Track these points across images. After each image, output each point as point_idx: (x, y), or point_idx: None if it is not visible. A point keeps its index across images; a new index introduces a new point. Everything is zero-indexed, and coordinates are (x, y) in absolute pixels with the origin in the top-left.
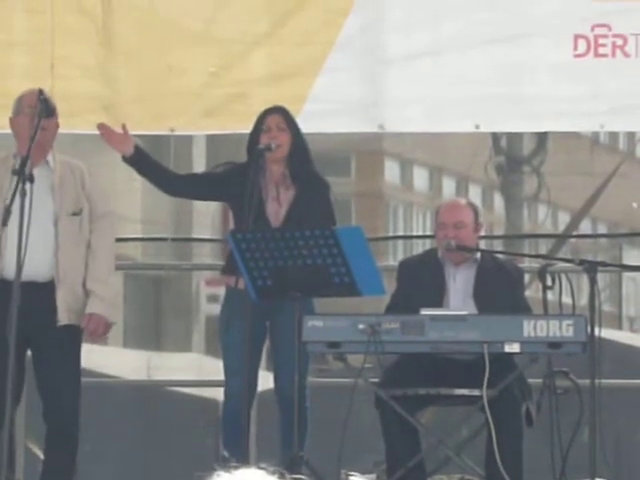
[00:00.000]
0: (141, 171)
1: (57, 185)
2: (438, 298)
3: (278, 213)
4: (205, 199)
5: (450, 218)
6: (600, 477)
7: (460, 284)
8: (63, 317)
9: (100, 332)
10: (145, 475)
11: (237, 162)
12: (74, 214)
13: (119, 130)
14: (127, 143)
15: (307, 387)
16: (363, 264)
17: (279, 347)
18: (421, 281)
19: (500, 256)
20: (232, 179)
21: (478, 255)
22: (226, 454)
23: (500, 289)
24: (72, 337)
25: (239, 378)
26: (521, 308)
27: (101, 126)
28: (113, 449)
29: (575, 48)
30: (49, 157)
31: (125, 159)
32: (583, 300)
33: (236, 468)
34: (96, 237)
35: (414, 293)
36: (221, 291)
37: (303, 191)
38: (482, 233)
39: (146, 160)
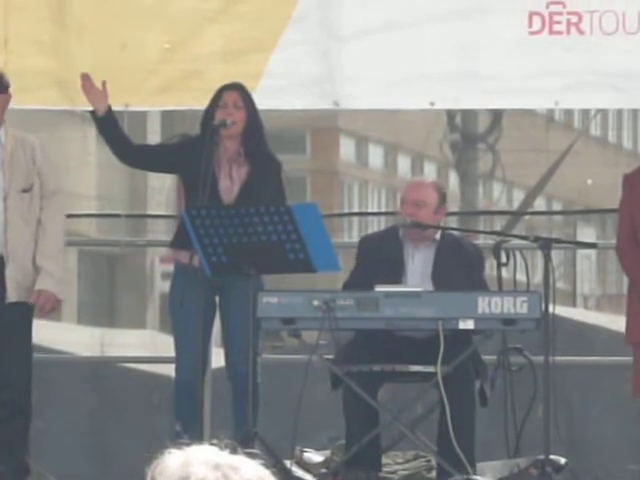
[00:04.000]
0: (104, 132)
1: (7, 161)
2: (396, 277)
3: (231, 190)
4: (158, 170)
5: (411, 195)
6: (554, 453)
7: (418, 264)
8: (12, 294)
9: (49, 308)
10: (99, 451)
11: (190, 135)
12: (24, 191)
13: (99, 86)
14: (103, 101)
15: (259, 363)
16: (318, 240)
17: (230, 323)
18: (380, 259)
19: (459, 236)
20: (185, 151)
21: (438, 236)
22: (178, 428)
23: (458, 270)
24: (22, 314)
25: (191, 352)
26: (478, 288)
27: (84, 76)
28: (67, 425)
29: (530, 25)
30: (0, 132)
31: (95, 116)
32: (537, 277)
33: (188, 445)
34: (46, 214)
35: (372, 271)
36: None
37: (256, 169)
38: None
39: (113, 123)
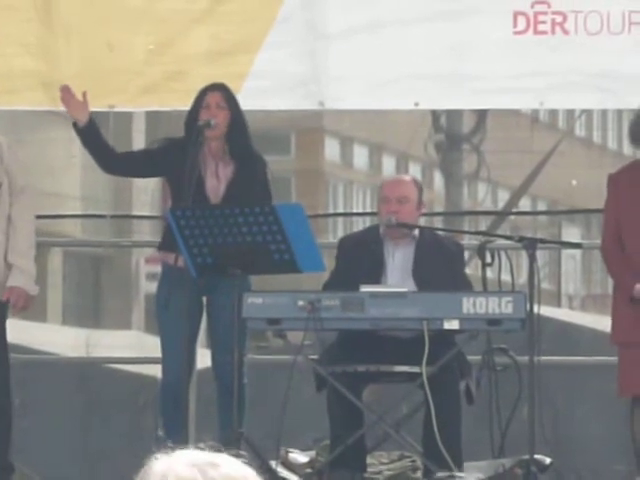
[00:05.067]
0: (87, 143)
1: None
2: (376, 275)
3: (217, 189)
4: (143, 176)
5: (394, 192)
6: (539, 453)
7: (399, 261)
8: None
9: (21, 305)
10: (84, 452)
11: (174, 137)
12: None
13: (79, 97)
14: (84, 111)
15: (245, 364)
16: (303, 241)
17: (216, 324)
18: (360, 258)
19: (440, 232)
20: (169, 154)
21: (417, 233)
22: (161, 433)
23: (439, 266)
24: None
25: (176, 354)
26: (461, 284)
27: (64, 88)
28: (51, 426)
29: (515, 25)
30: None
31: (76, 127)
32: (522, 277)
33: (173, 449)
34: (16, 211)
35: (352, 270)
36: (160, 269)
37: (242, 168)
38: (424, 211)
39: (95, 134)
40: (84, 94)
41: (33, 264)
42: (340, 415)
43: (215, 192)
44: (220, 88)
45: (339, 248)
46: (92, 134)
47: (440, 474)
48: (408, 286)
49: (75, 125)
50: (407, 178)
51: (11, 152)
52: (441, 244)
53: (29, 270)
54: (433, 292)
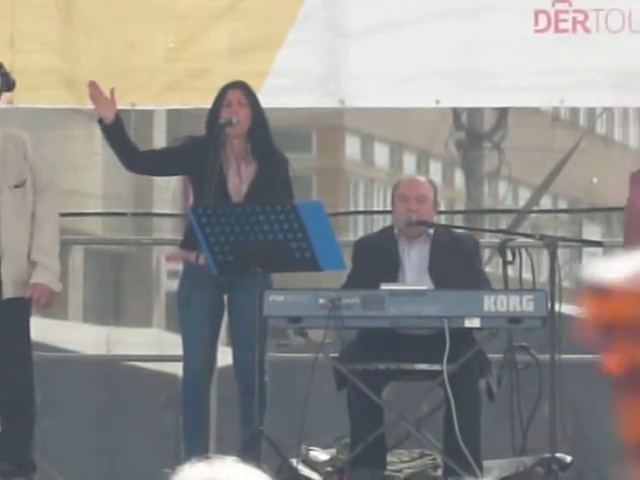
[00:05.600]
0: (112, 140)
1: None
2: (393, 275)
3: (240, 188)
4: (165, 174)
5: (413, 191)
6: (560, 451)
7: (415, 260)
8: (8, 290)
9: (44, 301)
10: (105, 450)
11: (196, 136)
12: (17, 186)
13: (107, 94)
14: (111, 108)
15: (266, 362)
16: (324, 239)
17: (237, 322)
18: (375, 259)
19: (456, 229)
20: (192, 152)
21: (431, 231)
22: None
23: (455, 262)
24: (19, 310)
25: (198, 353)
26: (478, 280)
27: (92, 84)
28: (73, 424)
29: (536, 23)
30: None
31: (102, 124)
32: (543, 276)
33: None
34: (40, 208)
35: (369, 271)
36: (181, 267)
37: (264, 166)
38: (441, 209)
39: (121, 131)
40: (112, 91)
41: (57, 261)
42: (360, 413)
43: (237, 191)
44: (241, 85)
45: (355, 250)
46: (118, 131)
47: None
48: (425, 284)
49: (100, 122)
50: (423, 179)
51: (35, 150)
52: (457, 241)
53: (53, 267)
54: (453, 290)
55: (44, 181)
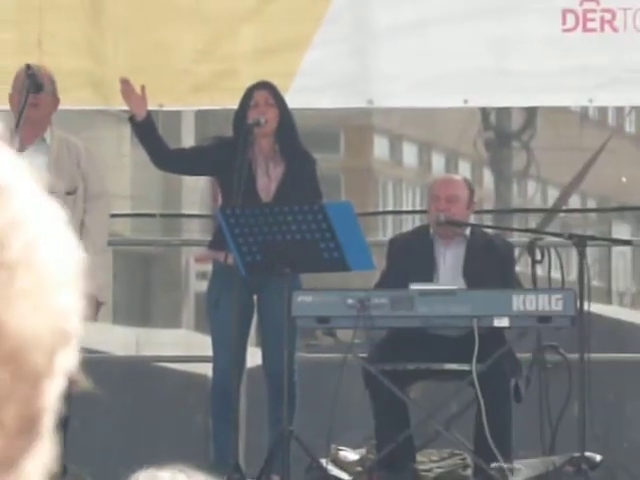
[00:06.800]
0: (143, 138)
1: (52, 163)
2: (427, 275)
3: (269, 188)
4: (193, 174)
5: (444, 191)
6: (589, 450)
7: (450, 261)
8: None
9: (89, 312)
10: (133, 451)
11: (223, 136)
12: (68, 193)
13: (138, 91)
14: (142, 106)
15: (295, 362)
16: (352, 239)
17: (267, 322)
18: (411, 258)
19: (490, 232)
20: (220, 153)
21: (468, 232)
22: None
23: (490, 266)
24: None
25: (228, 354)
26: (511, 285)
27: (124, 81)
28: (102, 425)
29: (564, 22)
30: (47, 134)
31: (133, 122)
32: (572, 275)
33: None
34: (90, 217)
35: (404, 270)
36: (210, 267)
37: (292, 166)
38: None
39: (151, 129)
40: (142, 88)
41: (103, 272)
42: (387, 413)
43: (267, 191)
44: (267, 86)
45: (389, 248)
46: (148, 129)
47: (494, 464)
48: (459, 285)
49: (131, 120)
50: (458, 177)
51: (89, 156)
52: (492, 244)
53: (99, 277)
54: (483, 289)
55: (96, 189)
